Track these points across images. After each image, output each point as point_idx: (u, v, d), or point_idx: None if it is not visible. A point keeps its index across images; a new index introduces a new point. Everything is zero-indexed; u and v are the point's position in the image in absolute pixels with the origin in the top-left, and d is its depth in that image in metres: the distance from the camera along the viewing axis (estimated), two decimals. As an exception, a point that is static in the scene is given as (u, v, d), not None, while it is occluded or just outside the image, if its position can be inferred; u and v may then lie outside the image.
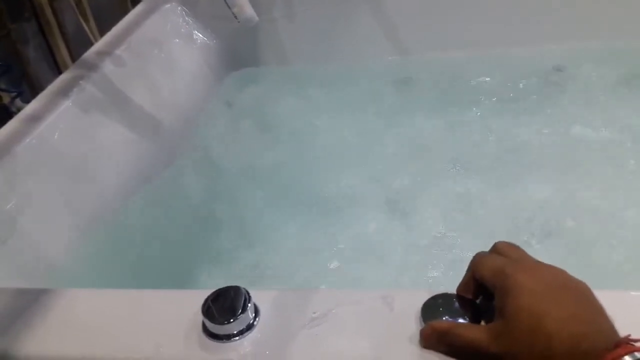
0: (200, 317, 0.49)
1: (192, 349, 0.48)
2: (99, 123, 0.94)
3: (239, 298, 0.49)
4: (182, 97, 1.14)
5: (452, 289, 0.48)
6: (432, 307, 0.47)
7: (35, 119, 0.85)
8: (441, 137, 1.07)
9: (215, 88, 1.23)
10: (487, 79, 1.17)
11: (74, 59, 1.36)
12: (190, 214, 0.96)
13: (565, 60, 1.16)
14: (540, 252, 0.62)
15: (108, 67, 1.00)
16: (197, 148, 1.08)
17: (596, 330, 0.39)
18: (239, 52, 1.27)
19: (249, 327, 0.49)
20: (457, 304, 0.47)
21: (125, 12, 1.16)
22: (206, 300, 0.49)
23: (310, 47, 1.26)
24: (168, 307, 0.53)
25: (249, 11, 0.94)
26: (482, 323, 0.45)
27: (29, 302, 0.55)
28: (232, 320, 0.48)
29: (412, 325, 0.47)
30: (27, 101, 1.05)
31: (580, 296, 0.42)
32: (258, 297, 0.50)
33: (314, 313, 0.49)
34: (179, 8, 1.20)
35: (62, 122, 0.87)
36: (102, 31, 1.25)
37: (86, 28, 1.40)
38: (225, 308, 0.48)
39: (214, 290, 0.50)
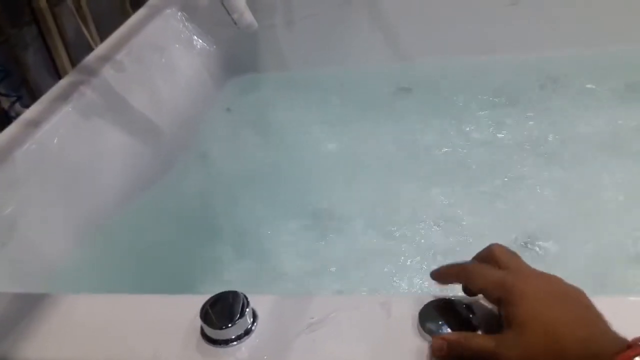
0: (198, 322, 0.49)
1: (191, 354, 0.48)
2: (99, 128, 0.94)
3: (237, 303, 0.49)
4: (182, 102, 1.14)
5: (449, 294, 0.49)
6: (430, 313, 0.47)
7: (35, 123, 0.85)
8: (441, 142, 1.08)
9: (215, 94, 1.23)
10: (487, 85, 1.17)
11: (74, 64, 1.36)
12: (189, 219, 0.96)
13: (565, 68, 1.16)
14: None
15: (108, 72, 1.00)
16: (197, 153, 1.08)
17: (600, 332, 0.40)
18: (239, 58, 1.27)
19: (247, 332, 0.49)
20: (454, 310, 0.47)
21: (125, 17, 1.16)
22: (204, 305, 0.49)
23: (309, 54, 1.26)
24: (166, 312, 0.53)
25: (249, 17, 0.95)
26: (479, 332, 0.45)
27: (27, 307, 0.55)
28: (230, 325, 0.48)
29: (410, 331, 0.47)
30: (27, 106, 1.06)
31: (579, 301, 0.43)
32: (256, 302, 0.50)
33: (312, 318, 0.49)
34: (179, 14, 1.21)
35: (61, 127, 0.88)
36: (103, 36, 1.25)
37: (86, 33, 1.40)
38: (223, 313, 0.49)
39: (212, 295, 0.50)
